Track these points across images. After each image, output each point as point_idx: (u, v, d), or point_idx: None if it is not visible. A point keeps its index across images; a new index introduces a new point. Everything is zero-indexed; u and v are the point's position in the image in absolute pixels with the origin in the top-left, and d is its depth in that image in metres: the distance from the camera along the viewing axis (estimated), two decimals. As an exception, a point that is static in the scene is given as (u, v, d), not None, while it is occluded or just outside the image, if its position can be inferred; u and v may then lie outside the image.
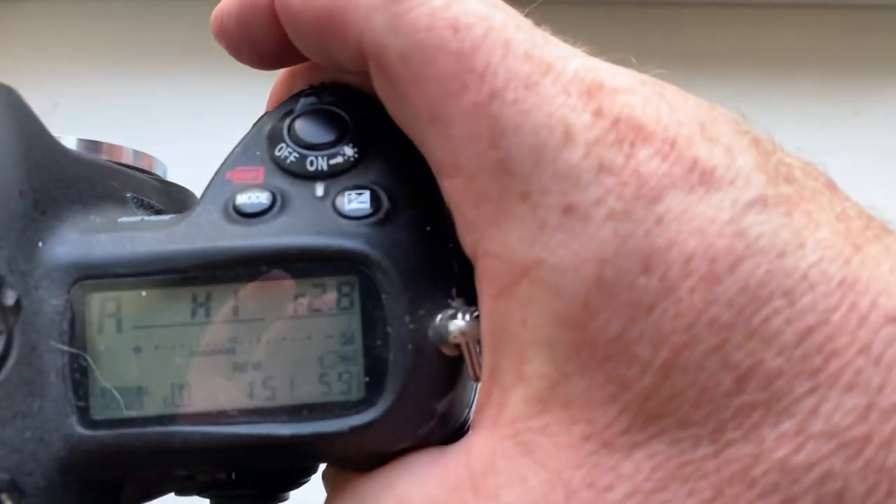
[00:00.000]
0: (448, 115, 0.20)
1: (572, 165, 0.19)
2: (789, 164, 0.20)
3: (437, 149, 0.21)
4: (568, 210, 0.19)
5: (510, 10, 0.21)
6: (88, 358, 0.22)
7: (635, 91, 0.20)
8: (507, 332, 0.21)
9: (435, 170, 0.22)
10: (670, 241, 0.18)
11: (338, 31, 0.22)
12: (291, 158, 0.23)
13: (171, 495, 0.27)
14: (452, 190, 0.21)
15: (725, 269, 0.18)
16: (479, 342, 0.22)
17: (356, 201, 0.23)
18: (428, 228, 0.23)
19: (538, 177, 0.19)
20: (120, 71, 0.79)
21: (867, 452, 0.17)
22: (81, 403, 0.22)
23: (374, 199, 0.23)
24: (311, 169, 0.23)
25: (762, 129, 0.21)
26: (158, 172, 0.30)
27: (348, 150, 0.24)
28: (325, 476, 0.25)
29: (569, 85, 0.20)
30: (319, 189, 0.23)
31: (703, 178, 0.19)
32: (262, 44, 0.25)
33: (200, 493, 0.26)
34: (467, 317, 0.22)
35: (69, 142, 0.27)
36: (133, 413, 0.22)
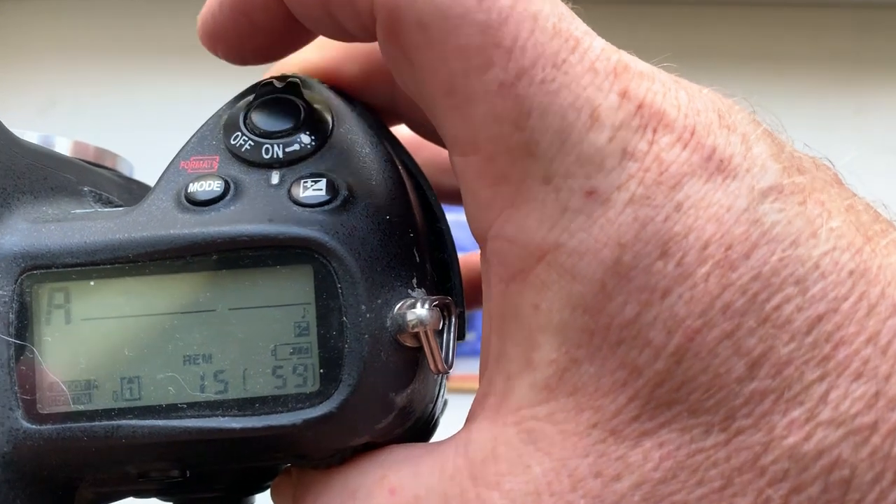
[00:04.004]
0: (469, 91, 0.19)
1: (597, 149, 0.19)
2: (798, 157, 0.20)
3: (452, 125, 0.20)
4: (590, 194, 0.19)
5: None
6: (35, 350, 0.21)
7: (656, 77, 0.20)
8: (518, 317, 0.20)
9: (447, 143, 0.21)
10: (688, 228, 0.18)
11: None
12: (247, 146, 0.23)
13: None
14: (466, 168, 0.20)
15: (740, 256, 0.18)
16: (438, 333, 0.22)
17: (312, 189, 0.22)
18: (388, 217, 0.22)
19: (562, 160, 0.19)
20: (117, 68, 0.79)
21: (874, 440, 0.17)
22: (27, 397, 0.21)
23: (331, 186, 0.22)
24: (267, 157, 0.23)
25: (772, 123, 0.21)
26: (123, 170, 0.30)
27: (305, 138, 0.23)
28: (276, 487, 0.24)
29: (596, 62, 0.19)
30: (275, 177, 0.23)
31: (721, 165, 0.19)
32: (262, 26, 0.23)
33: (159, 495, 0.25)
34: (426, 306, 0.21)
35: (31, 137, 0.27)
36: (81, 407, 0.21)
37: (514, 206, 0.20)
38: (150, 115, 0.75)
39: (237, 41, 0.24)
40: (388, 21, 0.20)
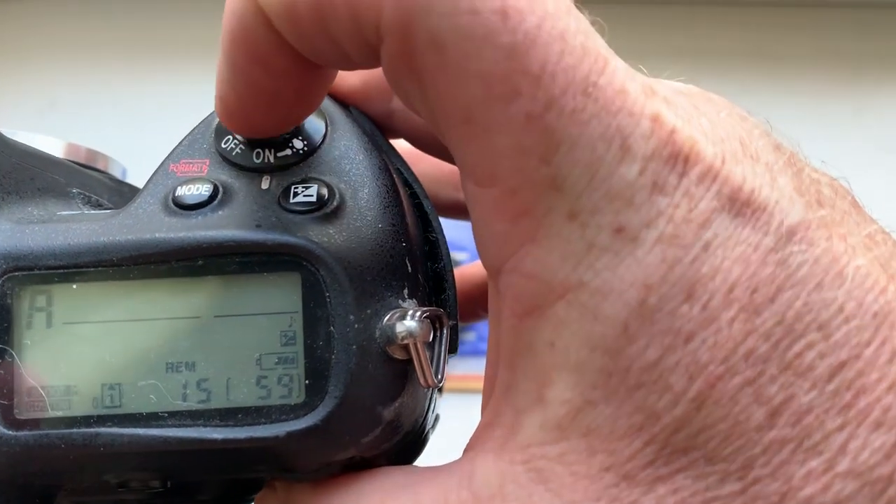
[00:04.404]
0: (491, 121, 0.18)
1: (627, 183, 0.18)
2: (817, 181, 0.20)
3: (469, 153, 0.19)
4: (619, 231, 0.18)
5: None
6: (15, 354, 0.21)
7: (677, 101, 0.19)
8: (531, 353, 0.19)
9: (462, 171, 0.20)
10: (715, 269, 0.18)
11: (344, 7, 0.18)
12: (237, 150, 0.22)
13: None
14: (482, 199, 0.19)
15: (765, 300, 0.18)
16: (429, 345, 0.21)
17: (302, 195, 0.22)
18: (379, 226, 0.22)
19: (590, 195, 0.18)
20: (117, 69, 0.79)
21: (889, 492, 0.17)
22: (5, 402, 0.21)
23: (322, 193, 0.22)
24: (258, 161, 0.22)
25: (787, 139, 0.20)
26: (115, 173, 0.29)
27: (298, 144, 0.23)
28: (260, 502, 0.24)
29: (626, 82, 0.18)
30: (265, 182, 0.22)
31: (750, 200, 0.18)
32: (280, 77, 0.20)
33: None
34: (417, 317, 0.21)
35: (23, 137, 0.27)
36: (59, 413, 0.21)
37: (535, 241, 0.19)
38: (150, 115, 0.75)
39: (265, 107, 0.21)
40: (397, 39, 0.18)
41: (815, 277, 0.18)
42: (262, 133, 0.22)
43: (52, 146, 0.27)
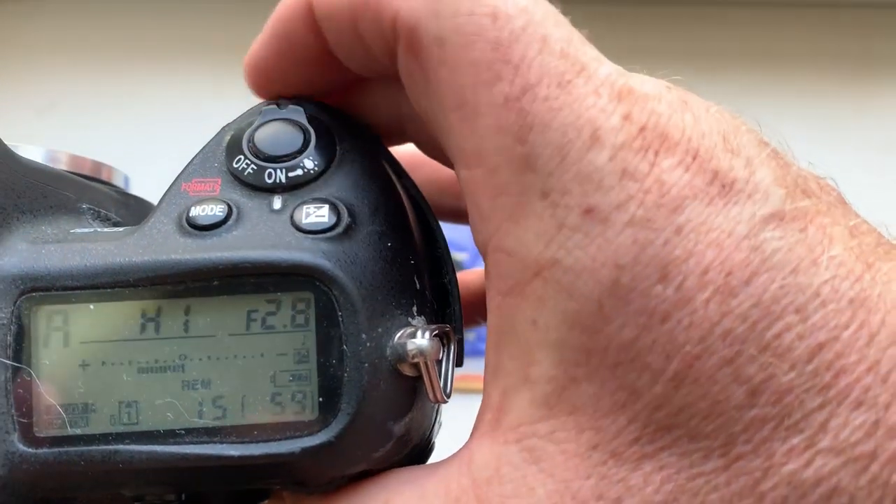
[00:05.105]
0: (477, 103, 0.20)
1: (596, 168, 0.19)
2: (805, 177, 0.20)
3: (459, 136, 0.21)
4: (588, 212, 0.19)
5: (549, 5, 0.21)
6: (33, 373, 0.21)
7: (662, 99, 0.20)
8: (515, 331, 0.20)
9: (454, 157, 0.21)
10: (688, 252, 0.18)
11: (374, 9, 0.21)
12: (249, 170, 0.23)
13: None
14: (470, 180, 0.21)
15: (741, 283, 0.18)
16: (438, 362, 0.22)
17: (314, 215, 0.22)
18: (389, 244, 0.22)
19: (560, 176, 0.19)
20: (116, 70, 0.79)
21: (873, 468, 0.17)
22: (24, 420, 0.21)
23: (334, 213, 0.22)
24: (270, 181, 0.23)
25: (778, 142, 0.21)
26: (119, 183, 0.30)
27: (309, 163, 0.23)
28: None
29: (600, 87, 0.20)
30: (277, 202, 0.22)
31: (723, 190, 0.19)
32: (304, 56, 0.24)
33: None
34: (427, 335, 0.21)
35: (27, 151, 0.27)
36: (78, 431, 0.21)
37: (513, 219, 0.20)
38: (150, 117, 0.75)
39: (281, 78, 0.25)
40: (409, 37, 0.21)
41: (791, 263, 0.18)
42: (283, 87, 0.25)
43: (57, 159, 0.28)
